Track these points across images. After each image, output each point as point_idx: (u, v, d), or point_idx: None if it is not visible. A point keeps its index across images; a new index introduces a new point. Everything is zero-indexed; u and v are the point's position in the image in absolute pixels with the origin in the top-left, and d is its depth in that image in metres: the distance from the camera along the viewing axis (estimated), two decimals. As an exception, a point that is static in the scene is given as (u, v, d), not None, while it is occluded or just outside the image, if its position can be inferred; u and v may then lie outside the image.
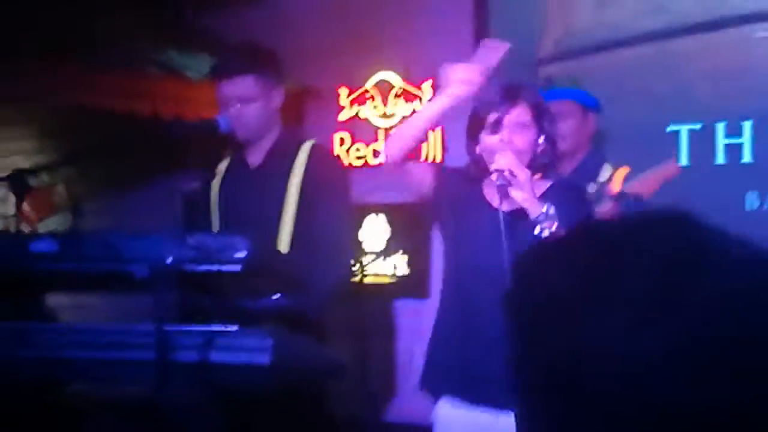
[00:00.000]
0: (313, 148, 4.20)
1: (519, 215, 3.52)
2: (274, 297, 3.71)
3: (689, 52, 5.79)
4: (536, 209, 3.44)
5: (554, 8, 6.39)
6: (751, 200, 5.56)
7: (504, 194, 3.50)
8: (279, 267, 3.48)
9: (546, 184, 3.67)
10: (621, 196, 4.42)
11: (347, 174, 4.30)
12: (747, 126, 5.58)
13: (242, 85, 4.09)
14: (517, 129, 3.57)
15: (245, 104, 4.09)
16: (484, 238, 3.57)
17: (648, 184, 4.53)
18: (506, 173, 3.45)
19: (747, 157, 5.59)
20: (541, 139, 3.62)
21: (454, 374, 3.62)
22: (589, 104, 4.82)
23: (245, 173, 4.22)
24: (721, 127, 5.65)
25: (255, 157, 4.22)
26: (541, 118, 3.62)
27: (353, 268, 6.89)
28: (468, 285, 3.60)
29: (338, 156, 4.35)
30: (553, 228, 3.42)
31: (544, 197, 3.56)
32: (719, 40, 5.69)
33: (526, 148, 3.59)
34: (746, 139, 5.59)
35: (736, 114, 5.59)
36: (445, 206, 3.71)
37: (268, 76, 4.16)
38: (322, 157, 4.21)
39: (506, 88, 3.66)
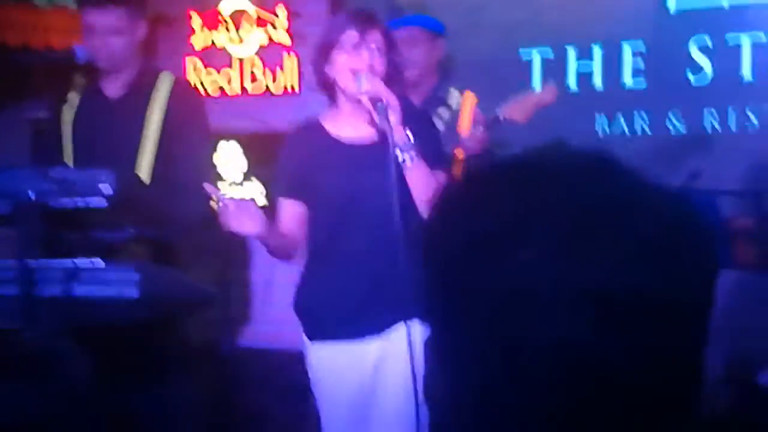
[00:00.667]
0: (175, 82, 4.15)
1: (373, 145, 3.53)
2: (138, 229, 3.69)
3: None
4: (403, 136, 3.41)
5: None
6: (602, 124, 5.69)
7: (373, 122, 3.47)
8: (143, 200, 3.44)
9: None
10: (494, 121, 4.47)
11: (206, 108, 4.26)
12: (597, 51, 5.68)
13: (112, 16, 4.01)
14: (376, 53, 3.52)
15: (113, 35, 4.02)
16: (345, 175, 3.54)
17: (523, 109, 4.57)
18: (384, 100, 3.39)
19: (598, 83, 5.71)
20: (391, 66, 3.59)
21: (330, 317, 3.59)
22: (437, 29, 4.81)
23: (103, 105, 4.15)
24: (572, 52, 5.74)
25: (114, 90, 4.15)
26: (392, 45, 3.59)
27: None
28: (338, 231, 3.55)
29: (198, 89, 4.28)
30: (412, 155, 3.42)
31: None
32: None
33: (382, 74, 3.53)
34: (596, 64, 5.70)
35: (587, 38, 5.69)
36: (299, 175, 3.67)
37: (134, 9, 4.09)
38: (184, 91, 4.17)
39: (360, 12, 3.62)
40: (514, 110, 4.49)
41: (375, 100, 3.40)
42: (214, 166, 6.86)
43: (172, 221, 3.85)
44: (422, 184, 3.41)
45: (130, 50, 4.10)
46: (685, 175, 4.63)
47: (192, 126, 4.08)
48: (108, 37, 4.02)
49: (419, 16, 4.83)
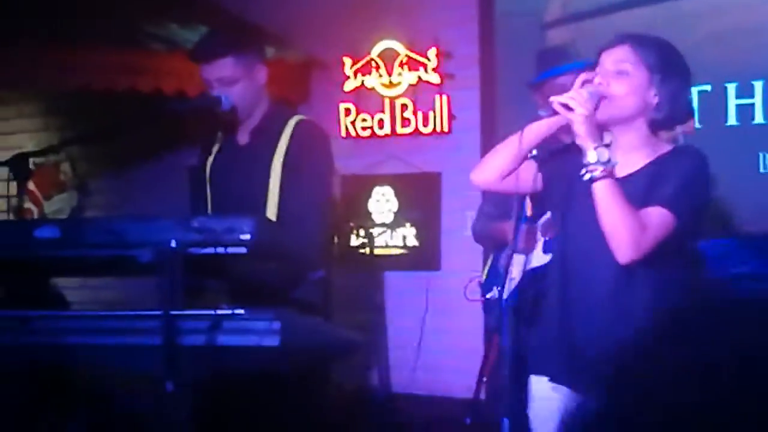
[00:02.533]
0: (299, 123, 4.13)
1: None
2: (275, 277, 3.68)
3: (696, 12, 5.71)
4: (587, 149, 3.17)
5: (560, -29, 6.30)
6: (765, 161, 5.50)
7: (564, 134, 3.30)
8: (280, 246, 3.41)
9: (659, 151, 3.33)
10: None
11: (328, 146, 4.21)
12: (758, 86, 5.50)
13: (220, 68, 4.03)
14: (614, 73, 3.26)
15: (226, 86, 4.03)
16: (577, 207, 3.34)
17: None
18: (556, 105, 3.18)
19: (759, 117, 5.52)
20: (653, 92, 3.27)
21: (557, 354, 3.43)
22: None
23: (234, 152, 4.17)
24: (732, 88, 5.57)
25: (243, 136, 4.17)
26: (653, 68, 3.26)
27: (362, 240, 6.85)
28: (567, 265, 3.37)
29: (322, 129, 4.23)
30: (598, 173, 3.12)
31: (655, 162, 3.29)
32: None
33: (623, 95, 3.25)
34: (758, 99, 5.51)
35: (747, 75, 5.52)
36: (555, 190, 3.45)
37: (247, 56, 4.09)
38: (306, 131, 4.13)
39: (617, 33, 3.39)
40: None
41: (551, 107, 3.23)
42: (368, 211, 6.88)
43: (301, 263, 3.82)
44: (603, 208, 3.20)
45: (251, 97, 4.10)
46: None
47: (307, 162, 4.04)
48: (224, 89, 4.03)
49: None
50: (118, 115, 6.61)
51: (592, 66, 3.38)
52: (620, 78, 3.26)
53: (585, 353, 3.23)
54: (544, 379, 3.40)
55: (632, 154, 3.26)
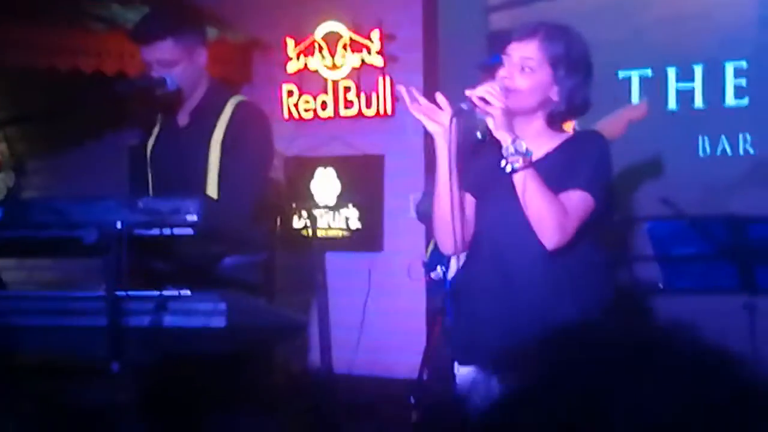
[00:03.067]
0: (238, 104, 4.12)
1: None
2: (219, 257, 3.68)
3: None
4: (505, 140, 3.21)
5: (504, -46, 6.32)
6: (704, 145, 5.57)
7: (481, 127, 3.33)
8: (225, 227, 3.41)
9: (560, 139, 3.42)
10: None
11: (267, 127, 4.21)
12: (698, 71, 5.56)
13: (160, 50, 4.01)
14: (519, 67, 3.33)
15: (166, 68, 4.01)
16: (493, 189, 3.40)
17: (615, 125, 4.52)
18: (475, 99, 3.21)
19: (699, 102, 5.58)
20: (555, 89, 3.35)
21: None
22: None
23: (174, 133, 4.16)
24: (672, 73, 5.63)
25: (182, 117, 4.16)
26: (557, 64, 3.34)
27: (305, 221, 6.85)
28: (488, 245, 3.42)
29: (262, 110, 4.22)
30: (519, 163, 3.22)
31: (554, 151, 3.36)
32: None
33: (527, 91, 3.33)
34: (698, 84, 5.58)
35: (688, 59, 5.58)
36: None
37: (187, 38, 4.07)
38: (245, 112, 4.12)
39: (527, 24, 3.42)
40: (606, 127, 4.41)
41: (469, 100, 3.24)
42: (310, 192, 6.88)
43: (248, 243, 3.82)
44: (526, 197, 3.24)
45: (191, 79, 4.09)
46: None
47: (245, 142, 4.03)
48: (164, 69, 4.02)
49: None
50: (59, 95, 6.54)
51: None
52: (524, 74, 3.33)
53: (505, 337, 3.26)
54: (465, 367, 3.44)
55: (533, 142, 3.31)
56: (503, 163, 3.22)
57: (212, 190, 4.00)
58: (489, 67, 4.67)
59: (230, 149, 4.00)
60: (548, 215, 3.23)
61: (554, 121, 3.42)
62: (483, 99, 3.21)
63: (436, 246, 4.94)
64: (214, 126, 4.05)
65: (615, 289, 3.52)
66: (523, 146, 3.20)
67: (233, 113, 4.06)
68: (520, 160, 3.20)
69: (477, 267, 3.49)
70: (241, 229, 3.90)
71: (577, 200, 3.28)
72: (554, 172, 3.29)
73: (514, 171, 3.22)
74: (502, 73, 3.34)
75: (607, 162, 3.40)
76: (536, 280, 3.32)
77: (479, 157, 3.42)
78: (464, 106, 3.27)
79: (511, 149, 3.20)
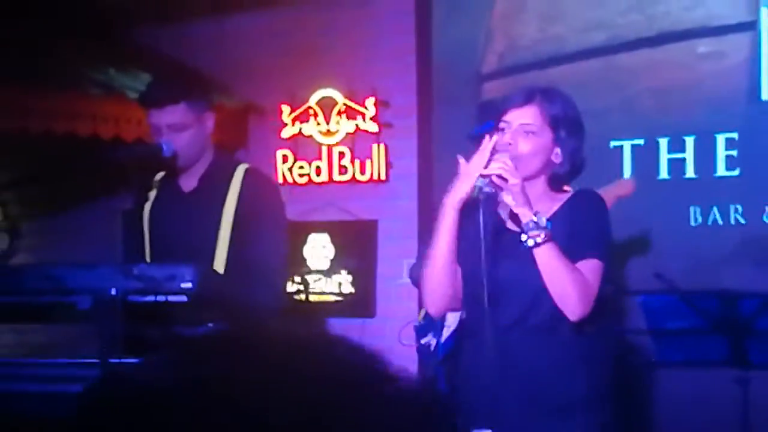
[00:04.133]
0: (247, 171, 4.14)
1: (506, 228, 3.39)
2: (218, 325, 3.67)
3: (633, 67, 5.82)
4: (526, 216, 3.23)
5: (498, 24, 6.38)
6: (695, 215, 5.60)
7: (499, 205, 3.35)
8: (223, 295, 3.41)
9: (562, 199, 3.45)
10: None
11: (281, 197, 4.25)
12: (689, 141, 5.61)
13: (172, 114, 4.02)
14: (521, 132, 3.36)
15: (176, 132, 4.03)
16: (490, 256, 3.37)
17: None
18: (494, 178, 3.23)
19: (690, 172, 5.62)
20: (557, 150, 3.39)
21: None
22: None
23: (178, 198, 4.15)
24: (664, 143, 5.68)
25: (188, 182, 4.15)
26: (557, 126, 3.39)
27: (297, 287, 6.85)
28: (483, 312, 3.38)
29: (272, 179, 4.26)
30: (540, 238, 3.25)
31: (557, 212, 3.39)
32: (662, 55, 5.72)
33: (530, 155, 3.36)
34: (689, 154, 5.62)
35: (679, 129, 5.63)
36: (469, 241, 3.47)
37: (198, 103, 4.10)
38: (256, 180, 4.15)
39: (521, 89, 3.48)
40: None
41: (490, 182, 3.26)
42: (303, 258, 6.89)
43: (250, 314, 3.82)
44: (549, 271, 3.25)
45: (199, 144, 4.11)
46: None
47: (264, 213, 4.06)
48: (173, 135, 4.03)
49: None
50: (55, 159, 6.57)
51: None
52: (527, 138, 3.36)
53: (512, 405, 3.28)
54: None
55: (536, 205, 3.33)
56: (524, 237, 3.23)
57: (221, 256, 4.00)
58: (478, 137, 4.72)
59: (249, 220, 4.01)
60: (572, 288, 3.24)
61: (556, 183, 3.45)
62: (501, 176, 3.23)
63: (427, 314, 4.95)
64: (226, 193, 4.06)
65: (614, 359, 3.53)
66: (543, 220, 3.22)
67: (244, 181, 4.09)
68: (542, 235, 3.22)
69: (474, 335, 3.49)
70: (269, 299, 3.92)
71: (594, 269, 3.30)
72: (560, 234, 3.31)
73: (536, 245, 3.23)
74: (506, 139, 3.36)
75: (607, 220, 3.44)
76: (541, 352, 3.32)
77: (472, 227, 3.43)
78: (487, 188, 3.27)
79: (532, 224, 3.22)
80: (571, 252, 3.29)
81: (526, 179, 3.34)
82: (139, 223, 4.20)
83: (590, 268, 3.29)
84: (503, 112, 3.42)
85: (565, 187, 3.52)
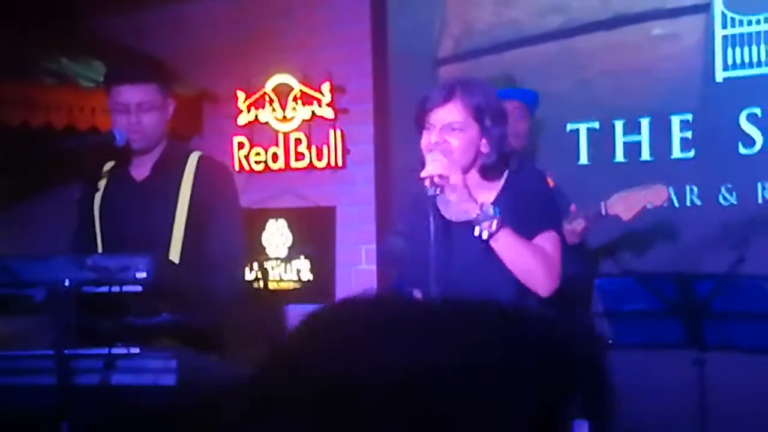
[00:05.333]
0: (201, 159, 4.13)
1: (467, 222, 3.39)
2: (173, 314, 3.67)
3: (588, 50, 5.83)
4: (473, 210, 3.28)
5: (453, 8, 6.38)
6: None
7: (444, 202, 3.35)
8: (177, 284, 3.39)
9: (497, 186, 3.49)
10: (597, 215, 4.41)
11: (235, 184, 4.24)
12: (645, 123, 5.63)
13: (144, 92, 4.00)
14: (448, 129, 3.38)
15: (145, 112, 4.00)
16: (441, 255, 3.38)
17: (629, 206, 4.49)
18: (436, 179, 3.26)
19: (646, 154, 5.64)
20: (484, 141, 3.42)
21: None
22: (534, 104, 4.83)
23: (130, 187, 4.12)
24: (620, 125, 5.69)
25: (140, 171, 4.13)
26: (482, 118, 3.41)
27: (256, 274, 6.83)
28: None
29: (226, 166, 4.25)
30: (493, 227, 3.25)
31: (498, 199, 3.42)
32: (617, 38, 5.74)
33: (461, 151, 3.39)
34: (644, 136, 5.64)
35: (635, 112, 5.64)
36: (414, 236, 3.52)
37: (166, 87, 4.09)
38: (210, 168, 4.14)
39: (440, 86, 3.50)
40: (619, 206, 4.42)
41: (432, 182, 3.27)
42: (261, 245, 6.86)
43: (207, 302, 3.81)
44: (509, 255, 3.26)
45: (160, 128, 4.09)
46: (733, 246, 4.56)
47: (219, 200, 4.06)
48: (141, 114, 4.00)
49: (521, 89, 4.82)
50: (7, 149, 6.50)
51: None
52: (454, 134, 3.36)
53: None
54: None
55: (475, 197, 3.34)
56: (477, 231, 3.24)
57: (176, 245, 3.98)
58: None
59: (205, 209, 4.00)
60: (536, 265, 3.25)
61: (487, 173, 3.46)
62: (441, 176, 3.23)
63: None
64: (180, 181, 4.04)
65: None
66: (491, 209, 3.23)
67: (198, 169, 4.07)
68: (494, 223, 3.23)
69: None
70: (229, 288, 3.93)
71: (551, 239, 3.32)
72: (508, 218, 3.32)
73: (491, 235, 3.24)
74: (432, 139, 3.37)
75: (553, 193, 3.46)
76: None
77: (420, 231, 3.43)
78: (432, 191, 3.28)
79: (481, 216, 3.22)
80: (525, 230, 3.30)
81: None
82: (89, 213, 4.16)
83: (548, 240, 3.31)
84: (427, 112, 3.42)
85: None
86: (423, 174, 3.27)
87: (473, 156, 3.41)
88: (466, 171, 3.39)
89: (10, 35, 6.57)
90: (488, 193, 3.42)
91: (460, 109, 3.37)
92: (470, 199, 3.26)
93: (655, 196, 4.66)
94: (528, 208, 3.36)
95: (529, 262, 3.25)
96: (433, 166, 3.26)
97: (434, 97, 3.43)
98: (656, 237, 5.38)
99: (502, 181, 3.47)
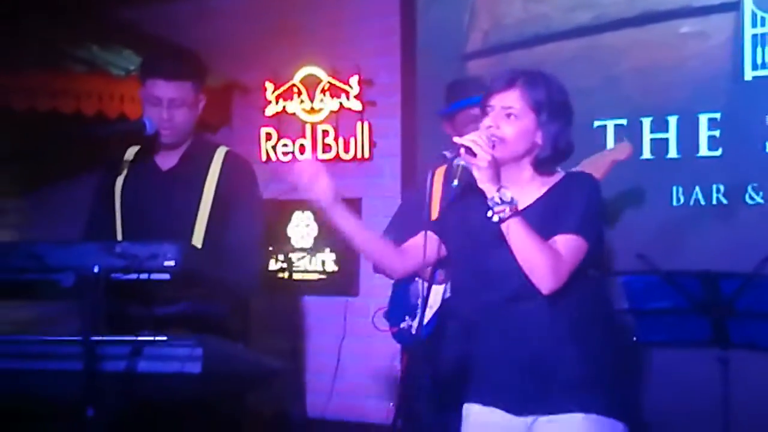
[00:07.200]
0: (227, 154, 4.18)
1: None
2: (197, 303, 3.71)
3: (616, 47, 5.82)
4: (490, 192, 3.22)
5: (482, 2, 6.38)
6: (677, 195, 5.61)
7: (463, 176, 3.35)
8: (204, 272, 3.41)
9: (550, 182, 3.43)
10: None
11: (257, 180, 4.28)
12: (672, 121, 5.62)
13: (179, 89, 4.03)
14: (503, 114, 3.34)
15: (177, 108, 4.04)
16: (474, 239, 3.41)
17: (597, 167, 4.53)
18: (461, 151, 3.21)
19: (673, 152, 5.64)
20: (540, 134, 3.36)
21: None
22: None
23: (155, 175, 4.15)
24: (647, 123, 5.69)
25: (167, 161, 4.16)
26: (539, 110, 3.36)
27: (281, 265, 6.86)
28: (469, 289, 3.45)
29: (249, 163, 4.29)
30: (505, 213, 3.25)
31: (546, 196, 3.38)
32: (646, 35, 5.73)
33: (513, 137, 3.33)
34: (672, 134, 5.63)
35: (662, 109, 5.64)
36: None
37: (199, 84, 4.12)
38: (236, 163, 4.19)
39: (504, 73, 3.48)
40: (589, 167, 4.42)
41: (457, 150, 3.26)
42: (287, 236, 6.89)
43: (229, 292, 3.85)
44: (516, 245, 3.27)
45: (191, 123, 4.13)
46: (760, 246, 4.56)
47: (243, 195, 4.10)
48: (173, 110, 4.04)
49: None
50: (37, 136, 6.55)
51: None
52: (509, 121, 3.35)
53: (509, 377, 3.31)
54: (477, 405, 3.45)
55: (524, 189, 3.35)
56: (489, 213, 3.23)
57: (199, 235, 4.02)
58: (447, 116, 4.73)
59: (228, 201, 4.05)
60: (540, 261, 3.24)
61: (541, 166, 3.44)
62: (469, 149, 3.22)
63: (394, 294, 4.95)
64: (206, 173, 4.09)
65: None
66: (508, 195, 3.22)
67: (224, 163, 4.12)
68: (507, 209, 3.21)
69: (461, 314, 3.53)
70: (247, 279, 3.98)
71: (569, 243, 3.29)
72: (546, 217, 3.31)
73: (501, 221, 3.23)
74: (486, 122, 3.36)
75: (597, 202, 3.42)
76: (534, 326, 3.34)
77: (459, 206, 3.45)
78: (448, 153, 3.31)
79: (497, 199, 3.22)
80: (552, 228, 3.30)
81: (511, 161, 3.34)
82: (109, 198, 4.19)
83: (566, 242, 3.29)
84: (489, 96, 3.42)
85: (559, 170, 3.51)
86: (456, 140, 3.27)
87: (527, 146, 3.37)
88: (518, 159, 3.37)
89: (42, 23, 6.62)
90: (540, 187, 3.41)
91: (518, 97, 3.35)
92: (492, 179, 3.24)
93: (619, 152, 4.77)
94: (566, 208, 3.35)
95: (535, 256, 3.24)
96: (467, 139, 3.24)
97: (496, 82, 3.42)
98: (682, 235, 5.38)
99: (555, 179, 3.44)
